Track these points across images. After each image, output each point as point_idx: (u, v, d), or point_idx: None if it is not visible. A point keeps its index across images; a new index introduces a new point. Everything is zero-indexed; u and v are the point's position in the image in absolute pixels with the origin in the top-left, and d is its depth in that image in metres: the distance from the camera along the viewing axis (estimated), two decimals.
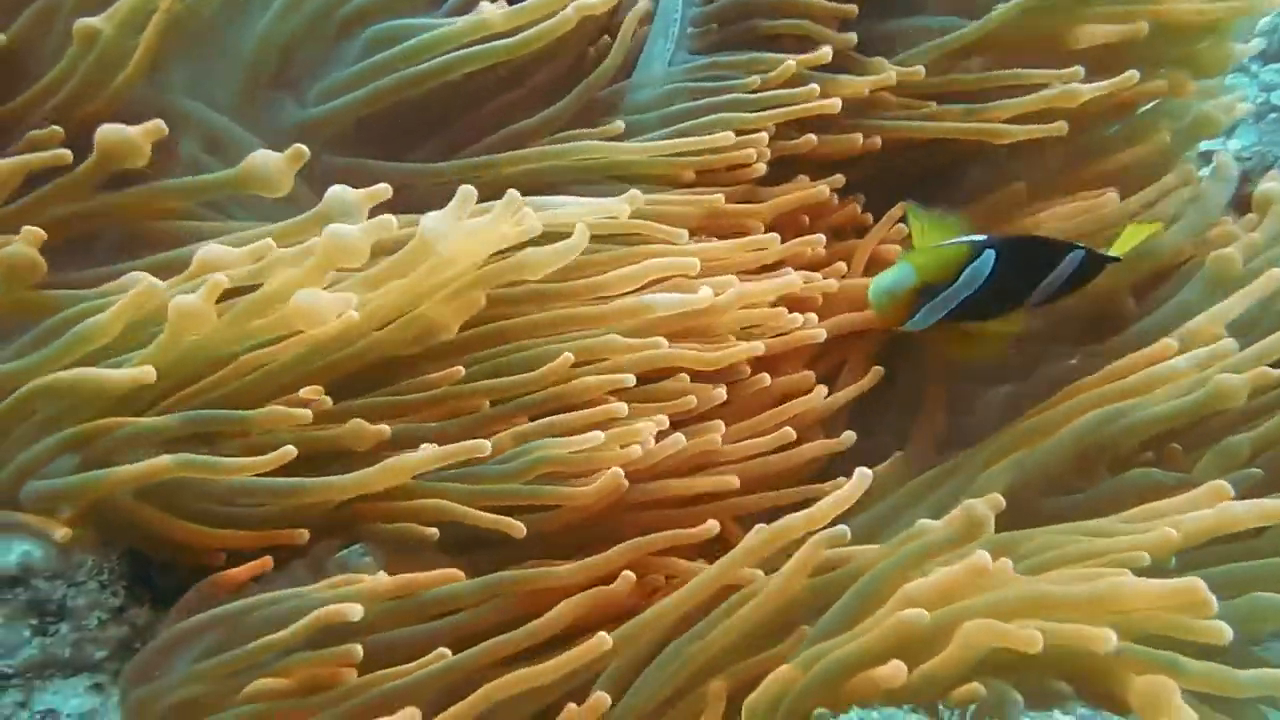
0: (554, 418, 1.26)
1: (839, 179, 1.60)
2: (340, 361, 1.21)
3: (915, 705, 1.01)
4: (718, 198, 1.50)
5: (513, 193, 1.18)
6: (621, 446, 1.24)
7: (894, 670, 1.00)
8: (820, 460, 1.45)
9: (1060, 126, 1.58)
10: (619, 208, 1.34)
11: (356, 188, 1.18)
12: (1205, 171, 1.78)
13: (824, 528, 1.14)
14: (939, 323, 1.46)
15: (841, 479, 1.41)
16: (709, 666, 1.13)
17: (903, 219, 1.62)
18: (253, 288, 1.13)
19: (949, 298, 1.44)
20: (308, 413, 1.14)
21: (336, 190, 1.17)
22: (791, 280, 1.44)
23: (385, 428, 1.18)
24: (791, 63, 1.57)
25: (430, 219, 1.15)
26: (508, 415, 1.27)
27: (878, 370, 1.52)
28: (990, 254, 1.44)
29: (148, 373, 1.08)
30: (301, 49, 1.51)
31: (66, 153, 1.20)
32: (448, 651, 1.11)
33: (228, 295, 1.10)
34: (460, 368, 1.26)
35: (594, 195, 1.44)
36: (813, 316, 1.47)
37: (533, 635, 1.13)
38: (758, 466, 1.40)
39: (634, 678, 1.15)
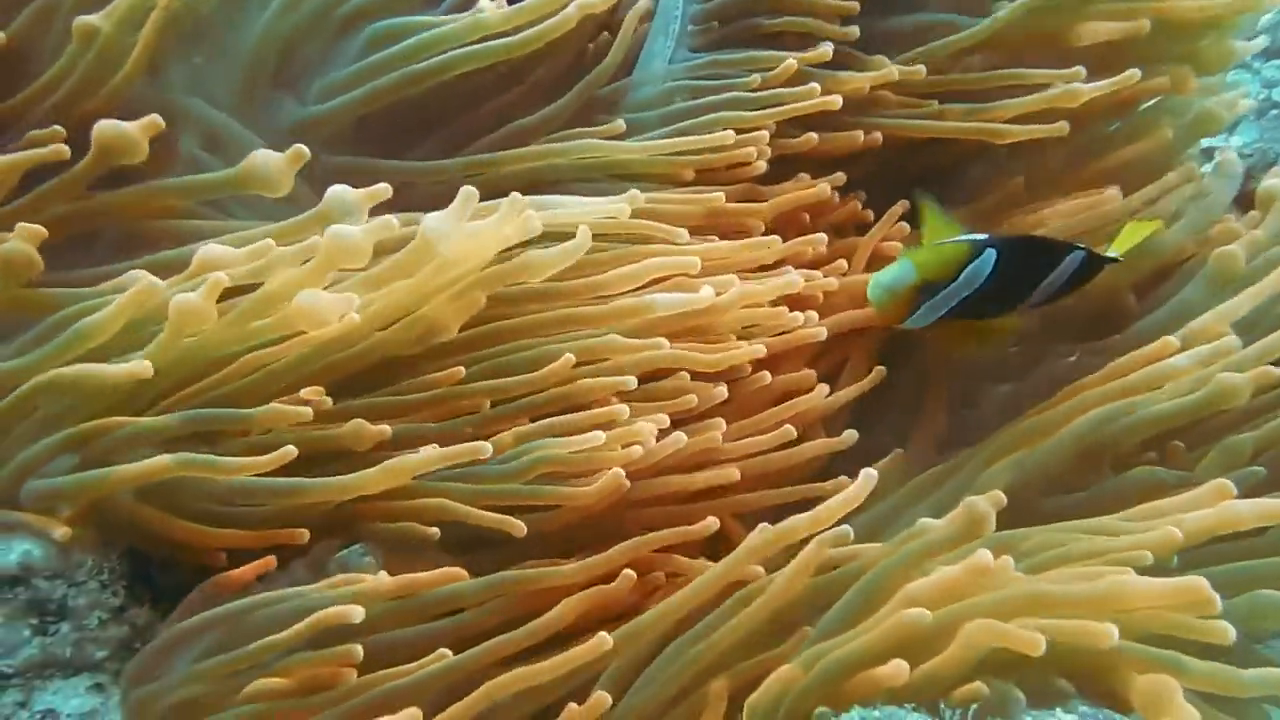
0: (555, 418, 1.26)
1: (840, 177, 1.60)
2: (341, 362, 1.21)
3: (917, 704, 1.00)
4: (718, 196, 1.50)
5: (516, 195, 1.18)
6: (623, 447, 1.24)
7: (895, 669, 1.00)
8: (821, 459, 1.44)
9: (1061, 127, 1.58)
10: (619, 208, 1.34)
11: (356, 186, 1.18)
12: (1207, 168, 1.78)
13: (827, 528, 1.14)
14: (938, 321, 1.45)
15: (844, 478, 1.42)
16: (711, 667, 1.13)
17: (904, 217, 1.62)
18: (253, 287, 1.13)
19: (949, 296, 1.44)
20: (308, 410, 1.14)
21: (337, 190, 1.17)
22: (793, 280, 1.43)
23: (386, 428, 1.18)
24: (792, 61, 1.57)
25: (432, 219, 1.14)
26: (509, 416, 1.27)
27: (880, 370, 1.51)
28: (991, 253, 1.44)
29: (145, 367, 1.08)
30: (301, 46, 1.50)
31: (64, 147, 1.20)
32: (448, 652, 1.11)
33: (228, 295, 1.10)
34: (461, 368, 1.26)
35: (594, 194, 1.44)
36: (813, 315, 1.46)
37: (533, 635, 1.13)
38: (759, 464, 1.40)
39: (635, 677, 1.15)
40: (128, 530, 1.15)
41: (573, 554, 1.28)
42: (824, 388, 1.47)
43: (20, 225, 1.14)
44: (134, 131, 1.19)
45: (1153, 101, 1.70)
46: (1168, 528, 1.08)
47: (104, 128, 1.19)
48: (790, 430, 1.40)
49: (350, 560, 1.18)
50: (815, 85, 1.55)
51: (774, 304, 1.43)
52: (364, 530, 1.21)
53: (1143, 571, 1.03)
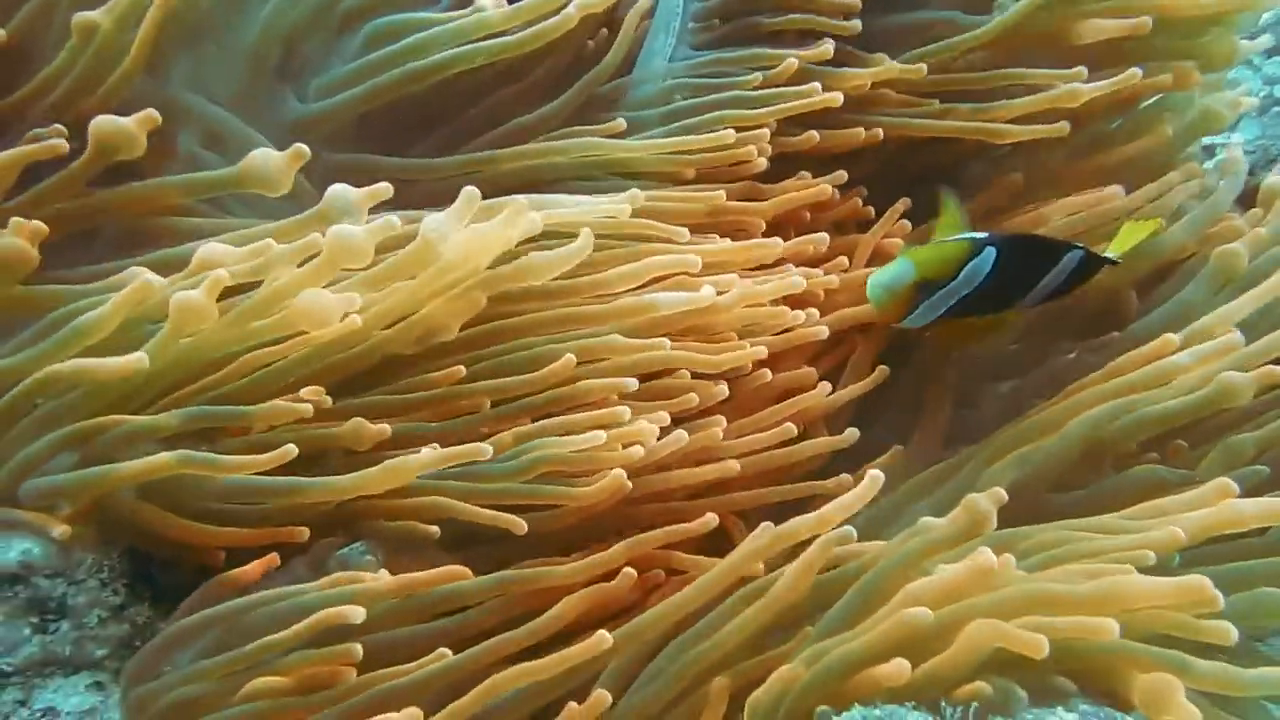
0: (556, 419, 1.26)
1: (841, 175, 1.60)
2: (342, 363, 1.21)
3: (918, 703, 1.00)
4: (719, 194, 1.50)
5: (520, 200, 1.18)
6: (623, 446, 1.23)
7: (896, 668, 1.00)
8: (822, 456, 1.44)
9: (1062, 127, 1.58)
10: (620, 207, 1.33)
11: (357, 183, 1.17)
12: (1208, 165, 1.77)
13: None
14: (937, 320, 1.45)
15: (845, 475, 1.42)
16: (713, 667, 1.13)
17: (906, 215, 1.62)
18: (253, 286, 1.13)
19: (948, 295, 1.43)
20: (308, 406, 1.13)
21: (337, 189, 1.16)
22: (795, 282, 1.43)
23: (386, 427, 1.18)
24: (793, 60, 1.57)
25: (433, 220, 1.14)
26: (509, 415, 1.27)
27: (883, 369, 1.51)
28: (991, 251, 1.43)
29: (140, 359, 1.08)
30: (302, 43, 1.50)
31: (62, 141, 1.20)
32: (448, 651, 1.11)
33: (227, 294, 1.09)
34: (461, 367, 1.26)
35: (595, 192, 1.43)
36: (814, 312, 1.46)
37: (534, 634, 1.13)
38: (759, 462, 1.40)
39: (636, 677, 1.15)
40: (128, 528, 1.15)
41: (573, 549, 1.28)
42: (826, 385, 1.47)
43: (14, 220, 1.14)
44: (131, 126, 1.18)
45: (1155, 99, 1.69)
46: (1171, 528, 1.08)
47: (101, 123, 1.18)
48: (791, 428, 1.40)
49: (351, 558, 1.18)
50: (816, 84, 1.55)
51: (775, 303, 1.43)
52: (365, 528, 1.21)
53: (1145, 570, 1.03)
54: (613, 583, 1.18)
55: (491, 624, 1.17)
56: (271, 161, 1.19)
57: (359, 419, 1.18)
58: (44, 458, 1.13)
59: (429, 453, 1.15)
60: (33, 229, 1.15)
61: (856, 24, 1.60)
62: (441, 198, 1.44)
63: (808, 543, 1.14)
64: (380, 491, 1.16)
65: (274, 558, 1.16)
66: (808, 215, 1.59)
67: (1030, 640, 0.96)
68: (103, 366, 1.09)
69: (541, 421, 1.26)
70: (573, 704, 1.09)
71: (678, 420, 1.31)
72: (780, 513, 1.38)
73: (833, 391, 1.48)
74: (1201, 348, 1.32)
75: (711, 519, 1.27)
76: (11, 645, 1.09)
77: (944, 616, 1.02)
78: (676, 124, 1.57)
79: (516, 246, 1.22)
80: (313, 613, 1.08)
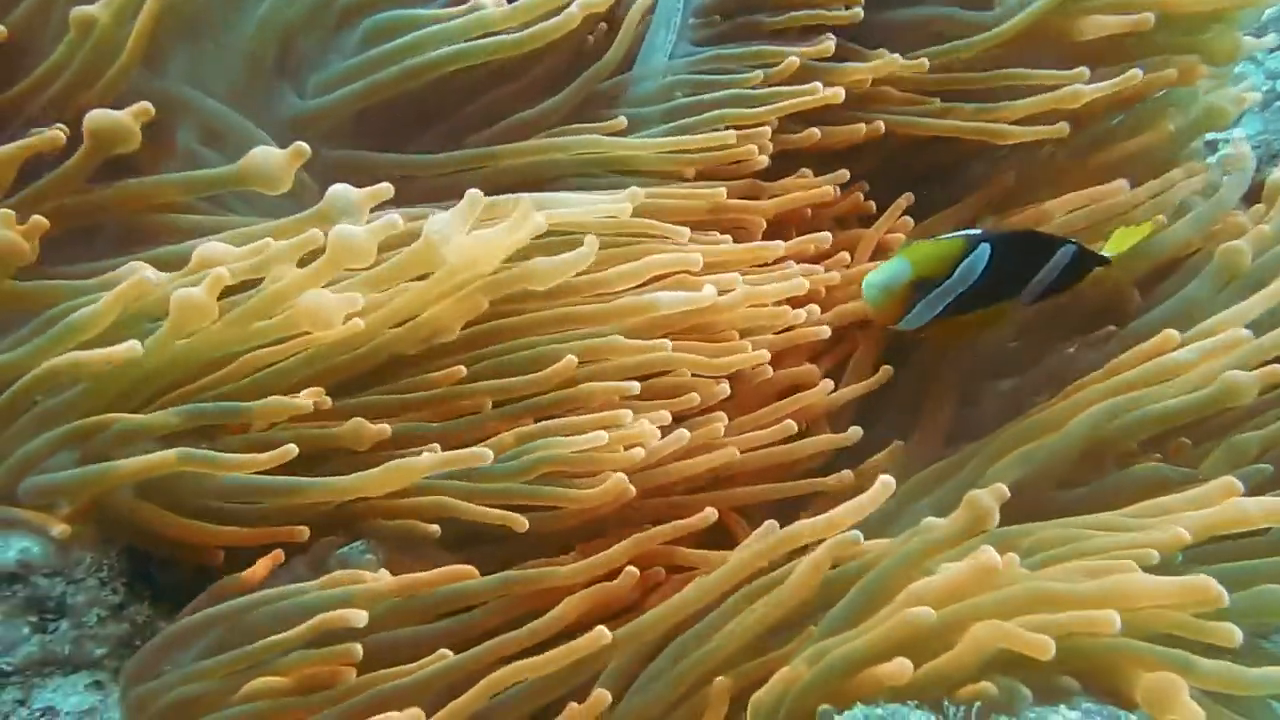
0: (558, 420, 1.25)
1: (843, 174, 1.59)
2: (343, 364, 1.20)
3: (920, 702, 1.00)
4: (720, 191, 1.49)
5: (525, 205, 1.17)
6: (625, 448, 1.23)
7: (898, 667, 1.00)
8: (825, 454, 1.44)
9: (1061, 128, 1.58)
10: (621, 206, 1.33)
11: (356, 179, 1.17)
12: (1211, 160, 1.77)
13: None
14: (934, 321, 1.45)
15: (847, 472, 1.41)
16: (717, 668, 1.12)
17: (908, 211, 1.61)
18: (253, 284, 1.12)
19: (944, 293, 1.43)
20: (308, 402, 1.13)
21: (338, 189, 1.16)
22: (798, 284, 1.43)
23: (386, 427, 1.17)
24: (794, 58, 1.56)
25: (436, 221, 1.13)
26: (510, 416, 1.26)
27: (887, 369, 1.51)
28: (986, 247, 1.43)
29: (133, 347, 1.08)
30: (301, 38, 1.50)
31: (59, 135, 1.19)
32: (449, 652, 1.11)
33: (227, 293, 1.09)
34: (462, 367, 1.25)
35: (595, 189, 1.43)
36: (815, 309, 1.46)
37: (536, 634, 1.12)
38: (761, 459, 1.39)
39: (636, 677, 1.15)
40: (127, 527, 1.15)
41: (574, 544, 1.28)
42: (828, 383, 1.46)
43: (4, 213, 1.13)
44: (126, 119, 1.18)
45: (1159, 95, 1.69)
46: (1176, 529, 1.07)
47: (96, 117, 1.18)
48: (792, 425, 1.40)
49: (351, 557, 1.18)
50: (817, 83, 1.54)
51: (777, 303, 1.43)
52: (365, 527, 1.20)
53: (1148, 569, 1.03)
54: (615, 582, 1.18)
55: (494, 624, 1.17)
56: (272, 159, 1.18)
57: (359, 419, 1.17)
58: (43, 455, 1.13)
59: (429, 456, 1.14)
60: (32, 223, 1.14)
61: (858, 12, 1.59)
62: (441, 194, 1.44)
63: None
64: (380, 494, 1.16)
65: (279, 555, 1.15)
66: (809, 212, 1.59)
67: (1035, 641, 0.95)
68: (95, 357, 1.08)
69: (543, 422, 1.25)
70: (573, 704, 1.09)
71: (679, 418, 1.30)
72: (782, 509, 1.38)
73: (835, 389, 1.47)
74: (1204, 344, 1.32)
75: (711, 514, 1.27)
76: (10, 644, 1.09)
77: (947, 616, 1.02)
78: (678, 122, 1.57)
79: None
80: (314, 612, 1.08)
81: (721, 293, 1.35)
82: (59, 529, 1.10)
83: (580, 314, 1.31)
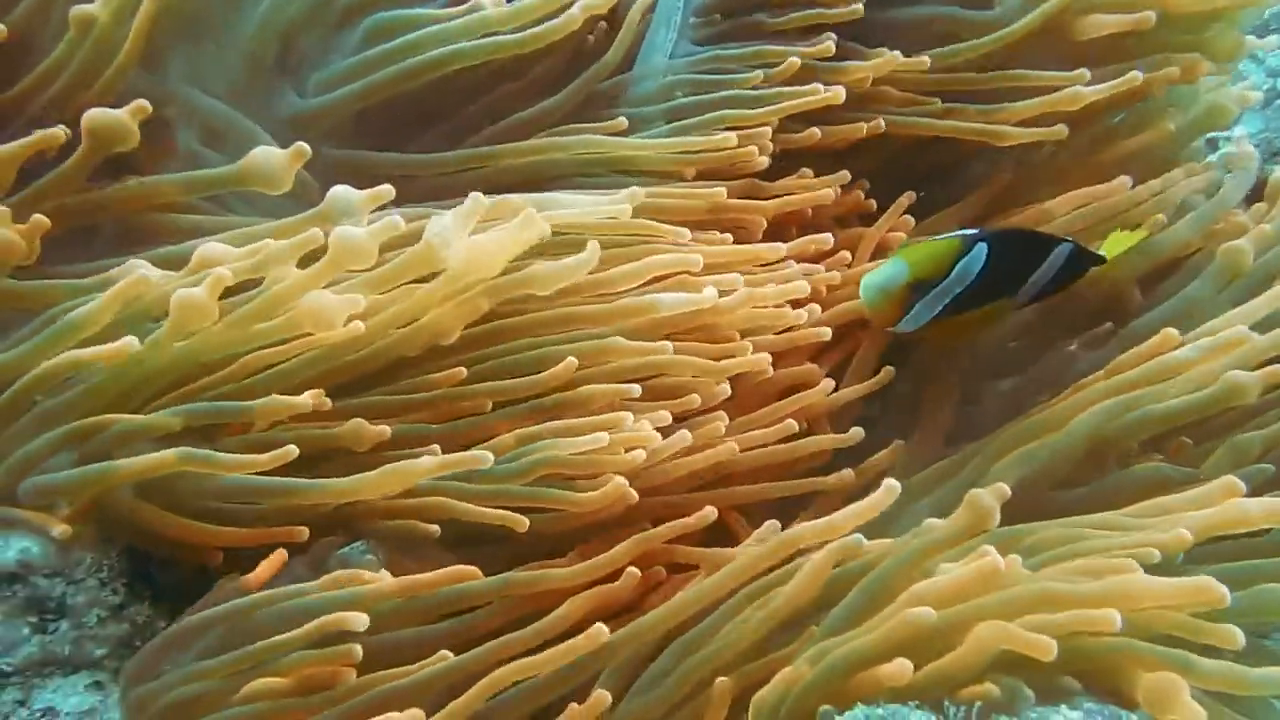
0: (558, 423, 1.25)
1: (844, 175, 1.59)
2: (343, 366, 1.20)
3: (921, 702, 1.00)
4: (720, 191, 1.49)
5: (529, 211, 1.18)
6: (626, 450, 1.23)
7: (898, 668, 0.99)
8: (825, 453, 1.44)
9: (1060, 130, 1.57)
10: (622, 207, 1.32)
11: (356, 178, 1.17)
12: (1212, 158, 1.76)
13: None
14: (931, 323, 1.44)
15: (847, 470, 1.41)
16: (718, 670, 1.12)
17: (909, 210, 1.61)
18: (253, 284, 1.12)
19: (942, 293, 1.43)
20: (308, 400, 1.13)
21: (339, 190, 1.16)
22: (800, 286, 1.43)
23: (385, 428, 1.17)
24: (795, 59, 1.56)
25: (437, 225, 1.13)
26: (511, 418, 1.26)
27: (889, 370, 1.50)
28: (982, 247, 1.43)
29: (130, 342, 1.08)
30: (301, 37, 1.50)
31: (59, 132, 1.19)
32: (449, 654, 1.10)
33: (227, 293, 1.09)
34: (462, 369, 1.25)
35: (596, 189, 1.43)
36: (816, 309, 1.46)
37: (540, 634, 1.12)
38: (762, 457, 1.39)
39: (636, 678, 1.15)
40: (127, 527, 1.14)
41: (574, 543, 1.28)
42: (829, 382, 1.46)
43: (0, 210, 1.13)
44: (124, 117, 1.18)
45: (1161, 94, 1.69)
46: (1178, 529, 1.07)
47: (94, 115, 1.18)
48: (792, 424, 1.39)
49: (352, 558, 1.17)
50: (818, 84, 1.54)
51: (778, 305, 1.42)
52: (365, 527, 1.20)
53: (1149, 568, 1.03)
54: (617, 583, 1.18)
55: (496, 625, 1.17)
56: (273, 159, 1.18)
57: (359, 420, 1.17)
58: (43, 456, 1.13)
59: (429, 460, 1.14)
60: (33, 223, 1.14)
61: (858, 8, 1.59)
62: (441, 193, 1.44)
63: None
64: (379, 496, 1.16)
65: (283, 556, 1.15)
66: (809, 211, 1.58)
67: (1038, 642, 0.95)
68: (93, 354, 1.08)
69: (544, 425, 1.25)
70: (573, 705, 1.08)
71: (679, 419, 1.30)
72: (783, 508, 1.38)
73: (836, 389, 1.47)
74: (1205, 342, 1.32)
75: (710, 512, 1.26)
76: (10, 645, 1.09)
77: (949, 616, 1.02)
78: (678, 122, 1.56)
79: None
80: (316, 613, 1.08)
81: (723, 294, 1.34)
82: (59, 529, 1.10)
83: (581, 314, 1.31)
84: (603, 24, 1.63)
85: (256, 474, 1.11)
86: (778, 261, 1.48)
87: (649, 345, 1.30)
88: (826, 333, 1.45)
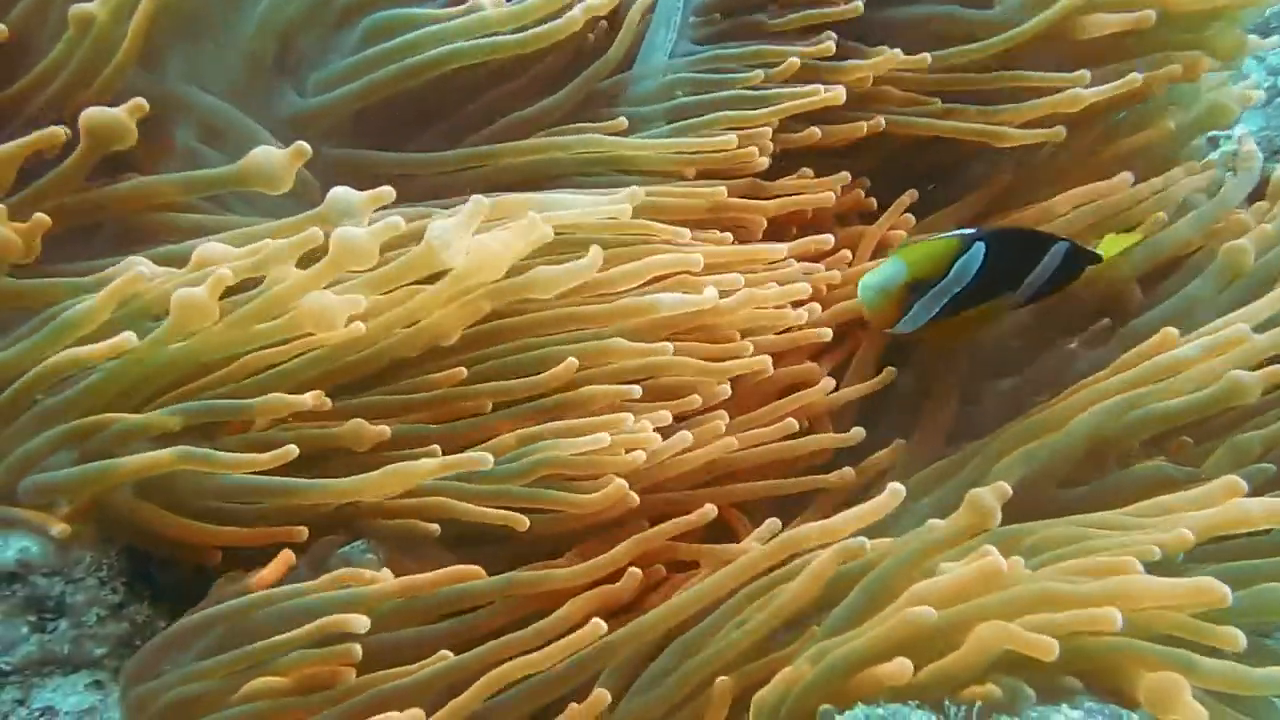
0: (558, 423, 1.25)
1: (844, 176, 1.59)
2: (344, 368, 1.20)
3: (921, 702, 1.00)
4: (720, 190, 1.49)
5: (533, 215, 1.17)
6: (626, 451, 1.22)
7: (899, 667, 0.99)
8: (826, 452, 1.43)
9: (1058, 132, 1.57)
10: (622, 207, 1.32)
11: (355, 177, 1.17)
12: (1213, 156, 1.76)
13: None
14: (930, 323, 1.44)
15: (848, 469, 1.41)
16: (719, 671, 1.12)
17: (910, 208, 1.61)
18: (253, 283, 1.12)
19: (940, 293, 1.43)
20: (308, 398, 1.13)
21: (339, 191, 1.15)
22: (801, 288, 1.42)
23: (385, 428, 1.17)
24: (795, 59, 1.56)
25: (438, 227, 1.13)
26: (511, 419, 1.26)
27: (891, 370, 1.50)
28: (980, 246, 1.43)
29: (128, 338, 1.07)
30: (300, 37, 1.49)
31: (59, 132, 1.19)
32: (449, 653, 1.10)
33: (227, 293, 1.09)
34: (463, 369, 1.25)
35: (596, 187, 1.42)
36: (816, 308, 1.45)
37: (541, 634, 1.12)
38: (762, 456, 1.39)
39: (636, 678, 1.15)
40: (126, 527, 1.14)
41: (575, 541, 1.27)
42: (829, 381, 1.46)
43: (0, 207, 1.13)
44: (121, 115, 1.18)
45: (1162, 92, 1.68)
46: (1180, 530, 1.07)
47: (91, 114, 1.18)
48: (793, 423, 1.39)
49: (352, 557, 1.17)
50: (819, 85, 1.54)
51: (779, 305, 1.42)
52: (366, 527, 1.20)
53: (1149, 567, 1.02)
54: (618, 584, 1.18)
55: (498, 625, 1.17)
56: (273, 159, 1.18)
57: (359, 420, 1.17)
58: (43, 454, 1.13)
59: (429, 461, 1.14)
60: (34, 221, 1.14)
61: (858, 5, 1.59)
62: (441, 192, 1.44)
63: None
64: (380, 497, 1.15)
65: (290, 558, 1.15)
66: (809, 210, 1.58)
67: (1039, 642, 0.95)
68: (90, 352, 1.08)
69: (544, 425, 1.25)
70: (574, 705, 1.08)
71: (680, 418, 1.30)
72: (783, 506, 1.38)
73: (837, 388, 1.47)
74: (1206, 340, 1.31)
75: (710, 510, 1.26)
76: (9, 644, 1.09)
77: (951, 616, 1.01)
78: (679, 122, 1.56)
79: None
80: (316, 612, 1.08)
81: (724, 294, 1.34)
82: (58, 528, 1.10)
83: (582, 314, 1.31)
84: (603, 23, 1.63)
85: (256, 474, 1.11)
86: (779, 261, 1.48)
87: (650, 346, 1.30)
88: (827, 333, 1.45)
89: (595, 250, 1.22)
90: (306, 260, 1.11)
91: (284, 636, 1.07)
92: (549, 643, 1.11)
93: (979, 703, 0.99)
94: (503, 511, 1.19)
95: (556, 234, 1.23)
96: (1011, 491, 1.12)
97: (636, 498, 1.23)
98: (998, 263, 1.44)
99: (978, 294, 1.44)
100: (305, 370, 1.17)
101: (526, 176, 1.50)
